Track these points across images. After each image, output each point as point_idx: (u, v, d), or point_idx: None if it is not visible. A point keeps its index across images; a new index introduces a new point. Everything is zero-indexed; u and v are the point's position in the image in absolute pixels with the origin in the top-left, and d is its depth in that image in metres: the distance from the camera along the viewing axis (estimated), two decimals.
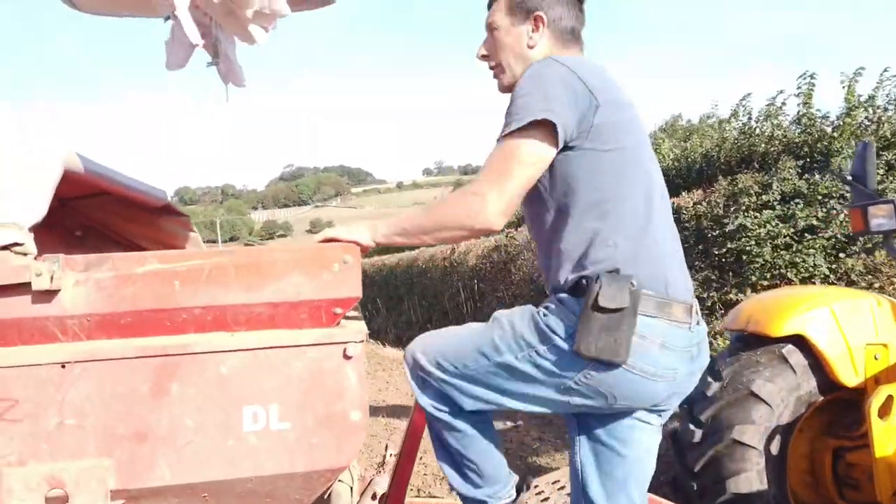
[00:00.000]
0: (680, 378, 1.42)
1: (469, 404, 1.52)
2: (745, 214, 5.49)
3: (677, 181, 7.94)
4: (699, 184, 7.08)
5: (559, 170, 1.43)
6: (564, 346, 1.38)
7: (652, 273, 1.39)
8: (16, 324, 1.22)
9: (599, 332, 1.31)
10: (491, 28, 1.59)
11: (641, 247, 1.41)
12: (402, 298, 12.42)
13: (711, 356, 2.39)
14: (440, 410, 1.57)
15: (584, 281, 1.38)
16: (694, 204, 6.27)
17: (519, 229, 10.05)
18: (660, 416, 1.51)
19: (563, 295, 1.43)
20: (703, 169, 7.67)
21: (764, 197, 5.56)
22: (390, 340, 10.21)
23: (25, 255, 1.22)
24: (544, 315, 1.44)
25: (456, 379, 1.51)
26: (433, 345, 1.58)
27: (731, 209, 5.70)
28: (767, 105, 7.05)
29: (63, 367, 1.21)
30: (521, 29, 1.55)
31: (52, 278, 1.20)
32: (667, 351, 1.38)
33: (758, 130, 7.13)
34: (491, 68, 1.63)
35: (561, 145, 1.39)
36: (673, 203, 6.65)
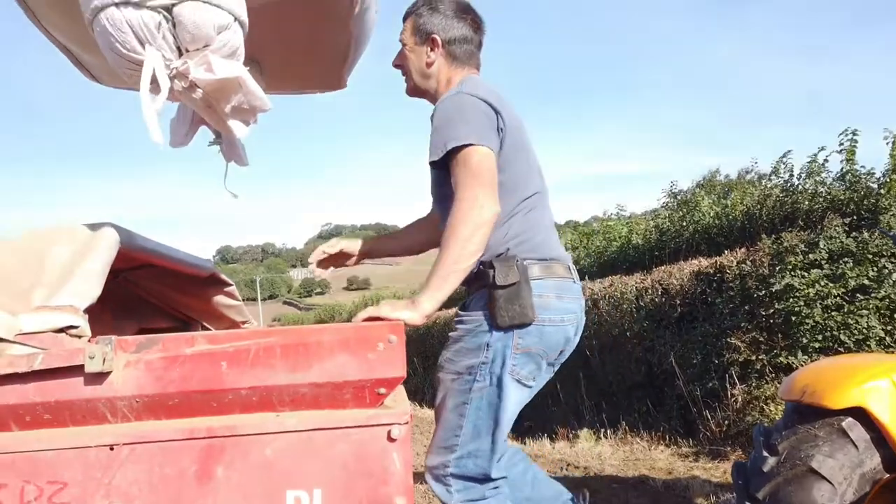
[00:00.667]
0: (580, 316, 1.79)
1: (487, 458, 1.67)
2: (792, 274, 5.34)
3: (718, 239, 7.81)
4: (741, 242, 6.95)
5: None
6: (488, 333, 1.65)
7: (540, 241, 1.72)
8: (68, 405, 1.24)
9: (506, 305, 1.61)
10: (402, 43, 1.91)
11: (531, 222, 1.73)
12: (435, 357, 12.32)
13: (765, 427, 2.30)
14: (475, 501, 1.67)
15: (481, 267, 1.66)
16: (738, 263, 6.13)
17: None
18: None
19: (466, 307, 1.74)
20: (744, 227, 7.54)
21: (811, 256, 5.41)
22: (427, 401, 10.07)
23: (80, 337, 1.25)
24: (461, 334, 1.71)
25: (463, 448, 1.68)
26: (433, 446, 1.76)
27: (777, 269, 5.55)
28: (809, 162, 6.94)
29: (111, 449, 1.22)
30: (421, 49, 1.86)
31: (104, 360, 1.22)
32: (563, 299, 1.71)
33: (801, 187, 7.01)
34: (402, 75, 1.95)
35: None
36: (715, 262, 6.52)
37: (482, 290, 1.69)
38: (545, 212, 1.81)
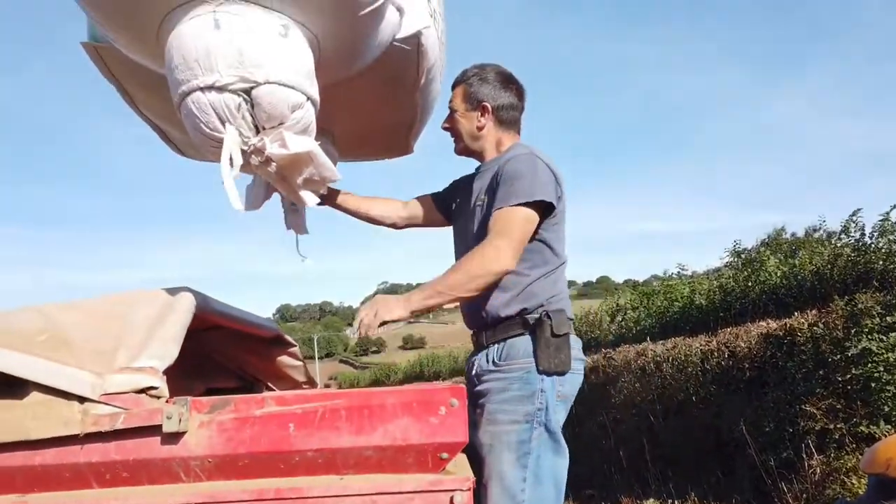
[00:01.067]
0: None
1: None
2: (870, 338, 5.07)
3: (787, 300, 7.51)
4: (812, 303, 6.67)
5: None
6: (538, 380, 1.76)
7: (567, 303, 1.91)
8: (145, 464, 1.29)
9: (556, 353, 1.77)
10: (451, 109, 2.07)
11: (564, 282, 1.94)
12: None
13: (848, 501, 2.18)
14: None
15: (531, 316, 1.81)
16: (809, 325, 5.87)
17: (617, 349, 9.73)
18: None
19: (501, 349, 1.82)
20: (815, 287, 7.25)
21: (889, 318, 5.14)
22: None
23: (159, 398, 1.31)
24: (508, 382, 1.77)
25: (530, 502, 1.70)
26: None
27: (853, 331, 5.29)
28: (882, 220, 6.68)
29: None
30: (472, 114, 2.02)
31: (180, 420, 1.27)
32: (580, 352, 1.89)
33: (874, 246, 6.72)
34: (451, 136, 2.11)
35: (555, 205, 1.84)
36: (785, 324, 6.26)
37: (525, 337, 1.80)
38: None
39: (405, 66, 2.01)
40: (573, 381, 1.85)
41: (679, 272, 11.41)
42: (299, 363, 2.70)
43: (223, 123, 1.46)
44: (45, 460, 1.29)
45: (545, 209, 1.82)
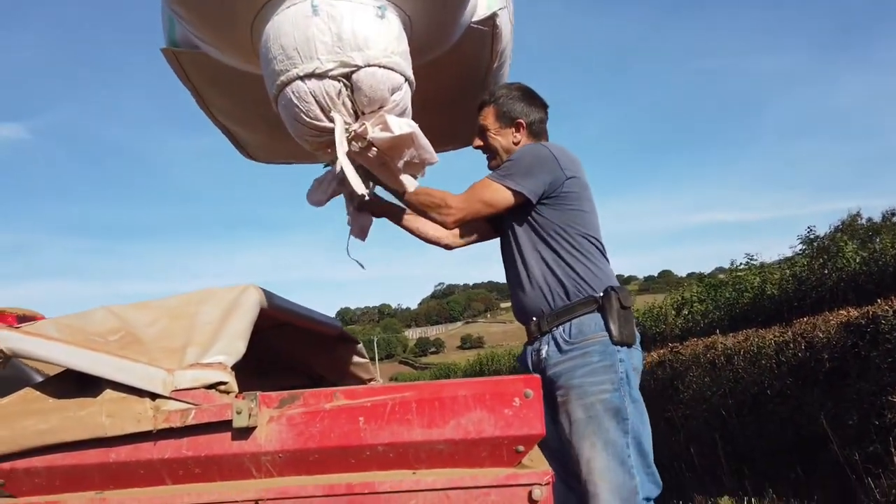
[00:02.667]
0: None
1: (655, 473, 1.82)
2: None
3: (867, 287, 7.11)
4: (894, 289, 6.28)
5: (540, 219, 1.94)
6: (616, 350, 1.81)
7: (615, 282, 1.95)
8: (216, 460, 1.28)
9: (625, 324, 1.83)
10: (483, 129, 2.12)
11: (608, 267, 2.00)
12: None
13: None
14: None
15: (597, 293, 1.87)
16: (894, 312, 5.53)
17: (685, 343, 9.44)
18: None
19: (569, 328, 1.86)
20: None
21: None
22: None
23: (228, 393, 1.30)
24: (587, 355, 1.80)
25: (638, 469, 1.76)
26: (598, 479, 1.73)
27: None
28: None
29: (256, 503, 1.24)
30: (507, 131, 2.09)
31: (250, 415, 1.26)
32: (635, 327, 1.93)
33: None
34: (485, 154, 2.18)
35: (534, 201, 1.91)
36: (867, 312, 5.92)
37: (595, 313, 1.85)
38: (608, 259, 2.06)
39: (480, 48, 1.98)
40: (638, 355, 1.92)
41: (748, 262, 10.98)
42: (364, 360, 2.69)
43: (324, 111, 1.45)
44: (119, 457, 1.30)
45: (541, 188, 1.91)
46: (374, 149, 1.52)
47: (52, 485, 1.33)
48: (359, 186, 1.46)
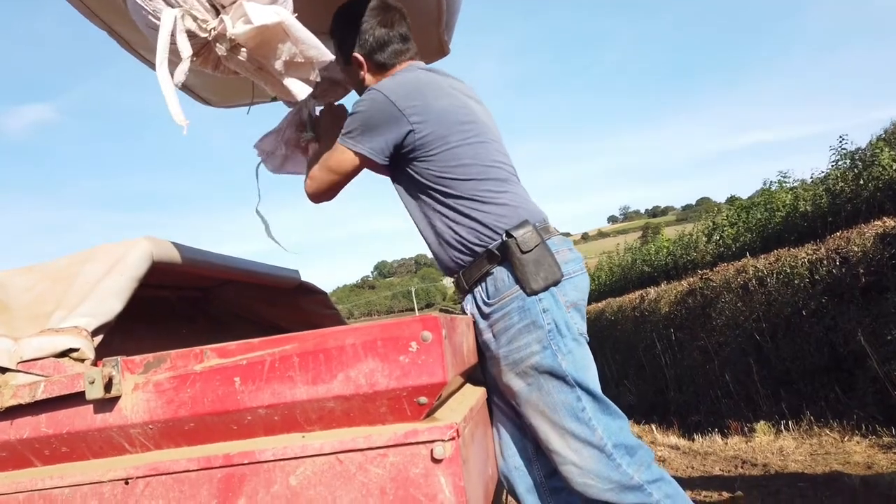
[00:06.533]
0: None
1: (625, 420, 1.60)
2: None
3: None
4: None
5: (418, 174, 1.66)
6: (535, 301, 1.57)
7: (532, 207, 1.71)
8: (82, 436, 1.12)
9: (536, 268, 1.58)
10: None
11: (518, 190, 1.72)
12: (594, 353, 11.72)
13: None
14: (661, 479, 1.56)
15: (493, 244, 1.62)
16: None
17: (715, 269, 9.09)
18: None
19: (485, 287, 1.64)
20: None
21: None
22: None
23: (82, 360, 1.13)
24: (506, 319, 1.59)
25: (601, 426, 1.55)
26: (565, 451, 1.56)
27: None
28: None
29: (126, 483, 1.08)
30: (350, 69, 1.83)
31: (108, 385, 1.09)
32: (571, 251, 1.70)
33: None
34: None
35: (381, 162, 1.66)
36: None
37: (500, 265, 1.62)
38: (516, 181, 1.78)
39: None
40: (576, 284, 1.66)
41: (780, 181, 10.44)
42: (332, 311, 2.53)
43: (173, 9, 1.18)
44: None
45: (387, 145, 1.64)
46: (244, 50, 1.26)
47: None
48: (176, 112, 1.19)
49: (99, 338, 1.19)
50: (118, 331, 1.32)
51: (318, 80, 1.44)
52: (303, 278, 2.41)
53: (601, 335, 11.88)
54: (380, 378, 1.06)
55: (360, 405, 1.08)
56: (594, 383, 1.59)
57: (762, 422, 6.11)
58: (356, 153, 1.64)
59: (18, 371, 1.13)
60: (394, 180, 1.76)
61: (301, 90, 1.37)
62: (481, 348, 1.66)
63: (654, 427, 7.93)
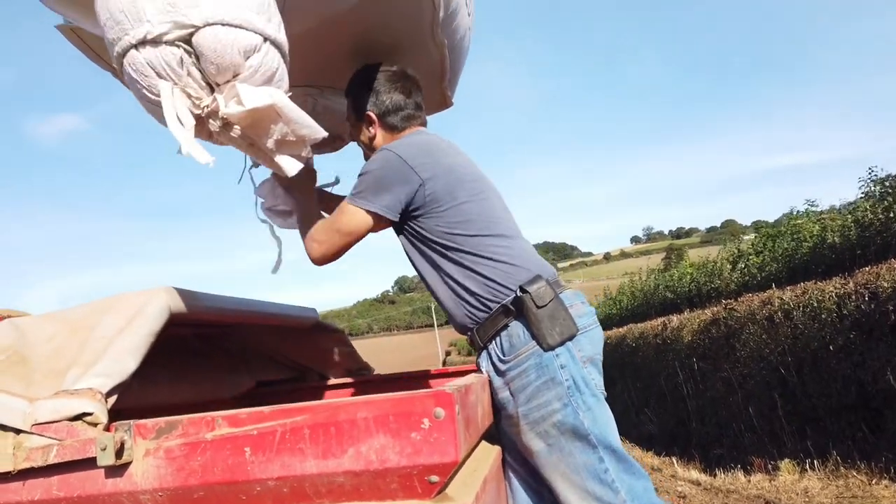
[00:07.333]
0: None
1: (643, 475, 1.57)
2: None
3: None
4: None
5: (426, 230, 1.68)
6: (552, 357, 1.57)
7: (540, 262, 1.72)
8: (92, 501, 1.12)
9: (551, 323, 1.57)
10: (349, 122, 1.94)
11: (524, 247, 1.74)
12: (615, 379, 11.61)
13: None
14: None
15: (505, 302, 1.63)
16: None
17: (740, 299, 8.94)
18: None
19: (500, 343, 1.63)
20: None
21: None
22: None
23: (95, 425, 1.13)
24: (522, 376, 1.57)
25: (622, 481, 1.52)
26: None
27: None
28: None
29: None
30: (361, 126, 1.88)
31: (120, 451, 1.08)
32: (584, 304, 1.71)
33: None
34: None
35: (393, 218, 1.68)
36: None
37: (515, 321, 1.62)
38: (521, 237, 1.81)
39: None
40: (591, 338, 1.66)
41: (808, 209, 10.27)
42: (348, 349, 2.52)
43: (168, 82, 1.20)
44: None
45: (399, 203, 1.67)
46: (237, 127, 1.27)
47: None
48: (200, 155, 1.19)
49: (114, 398, 1.20)
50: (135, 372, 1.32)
51: (310, 156, 1.45)
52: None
53: (622, 361, 11.74)
54: (391, 455, 1.04)
55: (371, 481, 1.06)
56: (616, 441, 1.57)
57: (787, 460, 5.97)
58: (369, 212, 1.65)
59: (32, 433, 1.14)
60: (403, 238, 1.77)
61: (292, 167, 1.38)
62: (497, 406, 1.64)
63: (674, 460, 7.78)
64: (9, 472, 1.13)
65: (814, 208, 10.10)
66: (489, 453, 1.54)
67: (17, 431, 1.15)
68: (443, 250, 1.67)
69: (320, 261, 1.75)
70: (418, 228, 1.69)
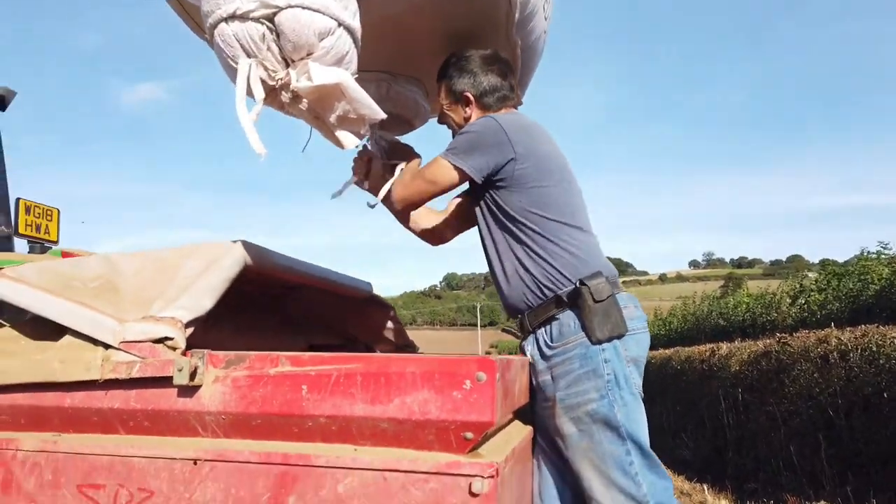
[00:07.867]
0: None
1: (665, 476, 1.62)
2: None
3: None
4: None
5: (507, 204, 1.75)
6: (598, 350, 1.63)
7: (604, 261, 1.77)
8: (163, 415, 1.26)
9: (605, 318, 1.63)
10: (440, 105, 2.01)
11: (592, 242, 1.79)
12: (654, 400, 11.42)
13: None
14: None
15: (563, 291, 1.69)
16: None
17: (795, 334, 8.69)
18: None
19: (550, 330, 1.70)
20: None
21: None
22: None
23: (175, 349, 1.27)
24: (567, 364, 1.64)
25: (646, 478, 1.58)
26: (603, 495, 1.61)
27: None
28: None
29: (195, 463, 1.20)
30: (457, 107, 1.96)
31: (193, 374, 1.21)
32: (637, 309, 1.76)
33: None
34: (449, 128, 2.05)
35: (478, 180, 1.75)
36: None
37: (569, 311, 1.68)
38: (593, 234, 1.87)
39: None
40: (638, 340, 1.71)
41: (879, 250, 9.88)
42: (397, 326, 2.63)
43: (249, 57, 1.34)
44: (74, 402, 1.31)
45: (487, 166, 1.74)
46: (304, 101, 1.39)
47: (17, 422, 1.36)
48: (255, 143, 1.33)
49: (191, 329, 1.33)
50: (207, 316, 1.46)
51: (368, 133, 1.58)
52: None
53: (664, 382, 11.54)
54: (432, 408, 1.14)
55: (411, 430, 1.16)
56: (645, 439, 1.63)
57: (823, 502, 5.81)
58: (457, 168, 1.73)
59: (120, 349, 1.28)
60: (479, 207, 1.85)
61: (350, 141, 1.52)
62: (534, 389, 1.71)
63: (706, 487, 7.64)
64: (95, 381, 1.28)
65: (886, 251, 9.70)
66: (521, 430, 1.62)
67: (106, 346, 1.30)
68: (517, 227, 1.74)
69: (398, 202, 1.87)
70: (499, 200, 1.76)
